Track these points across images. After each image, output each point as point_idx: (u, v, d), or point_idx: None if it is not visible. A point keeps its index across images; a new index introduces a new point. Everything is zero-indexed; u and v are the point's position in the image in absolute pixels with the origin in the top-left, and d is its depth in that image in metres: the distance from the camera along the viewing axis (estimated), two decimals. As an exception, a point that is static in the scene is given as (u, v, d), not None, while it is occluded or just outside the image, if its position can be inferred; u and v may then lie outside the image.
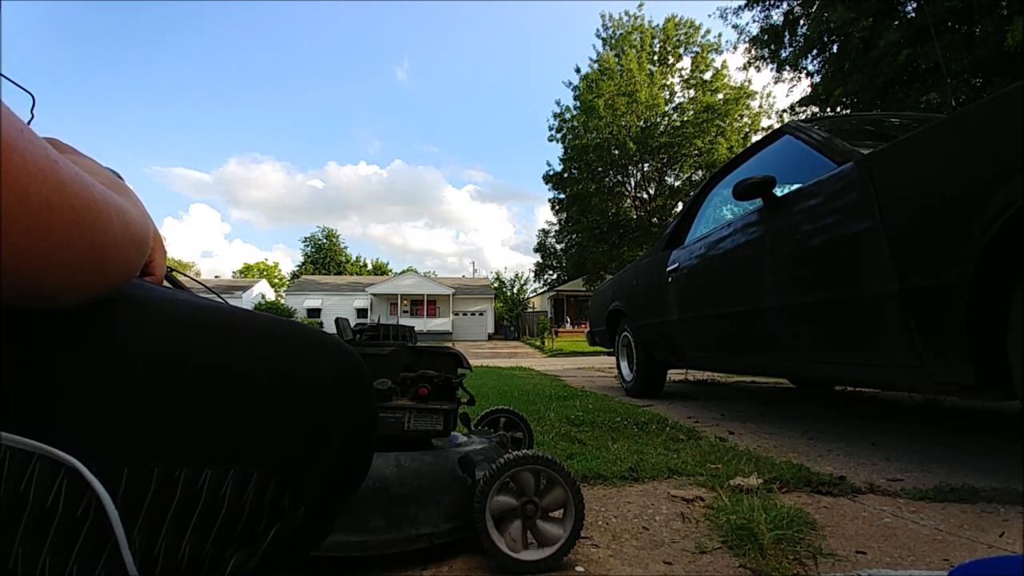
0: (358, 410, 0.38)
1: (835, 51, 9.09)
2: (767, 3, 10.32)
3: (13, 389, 0.27)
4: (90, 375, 0.29)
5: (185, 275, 0.72)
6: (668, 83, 23.37)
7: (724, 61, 26.30)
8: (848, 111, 8.80)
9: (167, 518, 0.30)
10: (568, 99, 29.63)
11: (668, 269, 2.73)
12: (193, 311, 0.35)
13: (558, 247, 26.65)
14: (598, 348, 4.46)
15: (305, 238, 50.95)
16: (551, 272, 28.76)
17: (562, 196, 24.49)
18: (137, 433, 0.30)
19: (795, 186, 1.81)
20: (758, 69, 11.80)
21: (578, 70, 23.67)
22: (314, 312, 28.07)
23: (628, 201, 23.67)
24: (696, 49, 23.24)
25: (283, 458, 0.34)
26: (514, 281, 35.74)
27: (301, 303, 28.66)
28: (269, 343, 0.36)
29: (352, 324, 1.01)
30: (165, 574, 0.30)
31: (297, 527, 0.35)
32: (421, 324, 26.90)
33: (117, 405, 0.29)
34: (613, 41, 23.71)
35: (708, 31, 23.79)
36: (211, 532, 0.31)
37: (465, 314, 30.50)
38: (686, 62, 23.61)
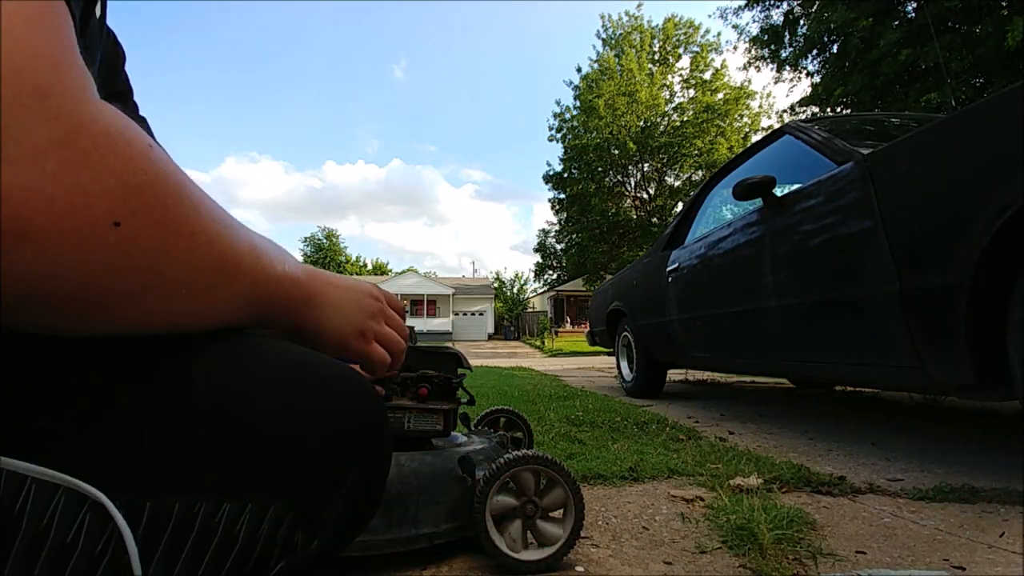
0: (375, 448, 0.39)
1: (835, 51, 9.09)
2: (767, 3, 10.32)
3: (43, 421, 0.27)
4: (122, 408, 0.29)
5: None
6: (668, 83, 23.39)
7: (724, 61, 26.40)
8: (848, 111, 8.80)
9: (183, 553, 0.30)
10: (568, 99, 29.60)
11: (668, 269, 2.73)
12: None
13: (558, 247, 26.67)
14: (598, 348, 4.45)
15: (305, 238, 50.99)
16: (551, 272, 28.76)
17: (562, 196, 24.50)
18: (161, 467, 0.30)
19: (795, 186, 1.81)
20: (758, 69, 11.82)
21: (579, 70, 23.72)
22: (314, 312, 27.99)
23: (628, 201, 23.67)
24: (696, 49, 23.26)
25: (300, 494, 0.34)
26: (514, 281, 35.76)
27: (301, 303, 28.57)
28: (291, 378, 0.36)
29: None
30: None
31: (308, 562, 0.35)
32: (421, 324, 26.89)
33: (144, 438, 0.29)
34: (613, 41, 23.73)
35: (708, 31, 23.83)
36: (224, 567, 0.31)
37: (465, 314, 30.50)
38: (686, 62, 23.65)
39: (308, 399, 0.35)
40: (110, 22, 0.52)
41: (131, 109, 0.56)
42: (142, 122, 0.56)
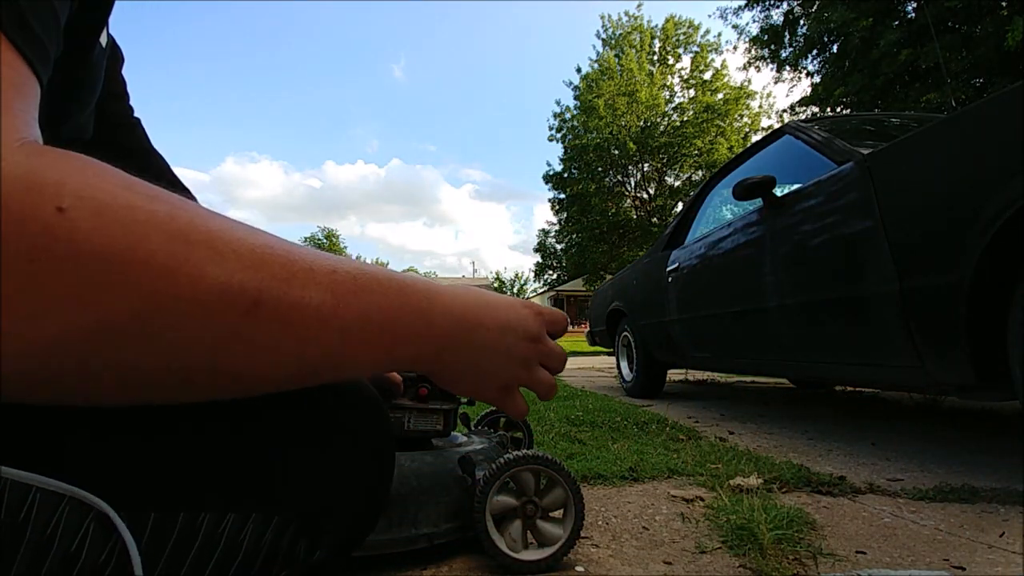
0: (379, 460, 0.39)
1: (835, 51, 9.09)
2: (767, 3, 10.32)
3: (50, 432, 0.27)
4: (124, 422, 0.29)
5: None
6: (668, 83, 23.37)
7: (724, 61, 26.37)
8: (848, 111, 8.80)
9: (186, 563, 0.30)
10: (568, 99, 29.58)
11: (668, 269, 2.72)
12: None
13: (558, 247, 26.64)
14: (598, 348, 4.45)
15: (305, 238, 50.91)
16: (551, 272, 28.74)
17: (562, 196, 24.48)
18: (166, 479, 0.30)
19: (795, 186, 1.81)
20: (758, 69, 11.82)
21: (579, 70, 23.70)
22: (314, 312, 27.99)
23: (628, 201, 23.67)
24: (696, 49, 23.24)
25: (304, 506, 0.34)
26: (514, 281, 35.74)
27: (301, 303, 28.57)
28: (296, 391, 0.36)
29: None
30: None
31: (311, 572, 0.35)
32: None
33: (148, 450, 0.29)
34: (613, 41, 23.71)
35: (708, 31, 23.82)
36: None
37: (465, 314, 30.43)
38: (686, 62, 23.64)
39: (314, 412, 0.35)
40: (116, 20, 0.52)
41: (125, 111, 0.56)
42: (135, 125, 0.57)
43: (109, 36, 0.51)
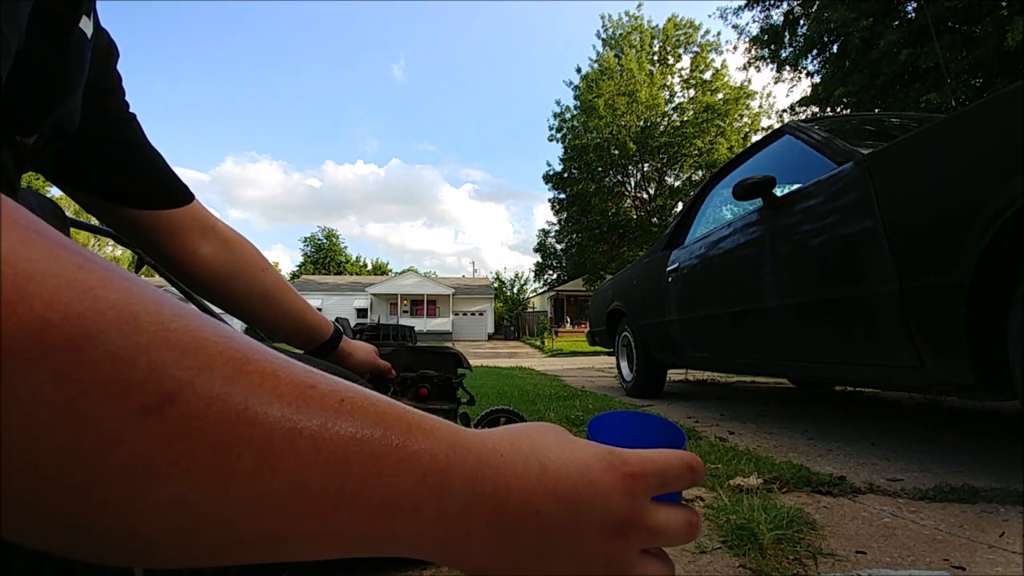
0: None
1: (835, 51, 9.09)
2: (767, 3, 10.31)
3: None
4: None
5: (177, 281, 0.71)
6: (668, 83, 23.37)
7: (724, 61, 26.39)
8: (848, 111, 8.79)
9: None
10: (568, 99, 29.63)
11: (668, 269, 2.73)
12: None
13: (558, 247, 26.65)
14: (598, 348, 4.45)
15: (305, 238, 51.06)
16: (551, 272, 28.76)
17: (562, 196, 24.50)
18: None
19: (795, 186, 1.81)
20: (758, 69, 11.82)
21: (579, 70, 23.71)
22: (314, 312, 28.01)
23: (628, 201, 23.67)
24: (696, 49, 23.25)
25: None
26: (514, 281, 35.77)
27: (301, 303, 28.58)
28: None
29: (352, 324, 1.01)
30: None
31: (316, 562, 0.34)
32: (421, 324, 26.89)
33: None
34: (613, 41, 23.72)
35: (708, 31, 23.83)
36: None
37: (465, 314, 30.50)
38: (686, 62, 23.65)
39: None
40: (108, 23, 0.52)
41: (120, 106, 0.55)
42: (131, 120, 0.56)
43: (102, 30, 0.51)
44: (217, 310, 0.77)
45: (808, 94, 9.94)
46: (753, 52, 11.24)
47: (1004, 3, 6.03)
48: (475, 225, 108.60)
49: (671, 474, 0.26)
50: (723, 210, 2.75)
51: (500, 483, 0.21)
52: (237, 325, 0.78)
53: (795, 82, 11.20)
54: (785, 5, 10.04)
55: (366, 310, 29.27)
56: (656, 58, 23.64)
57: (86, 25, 0.40)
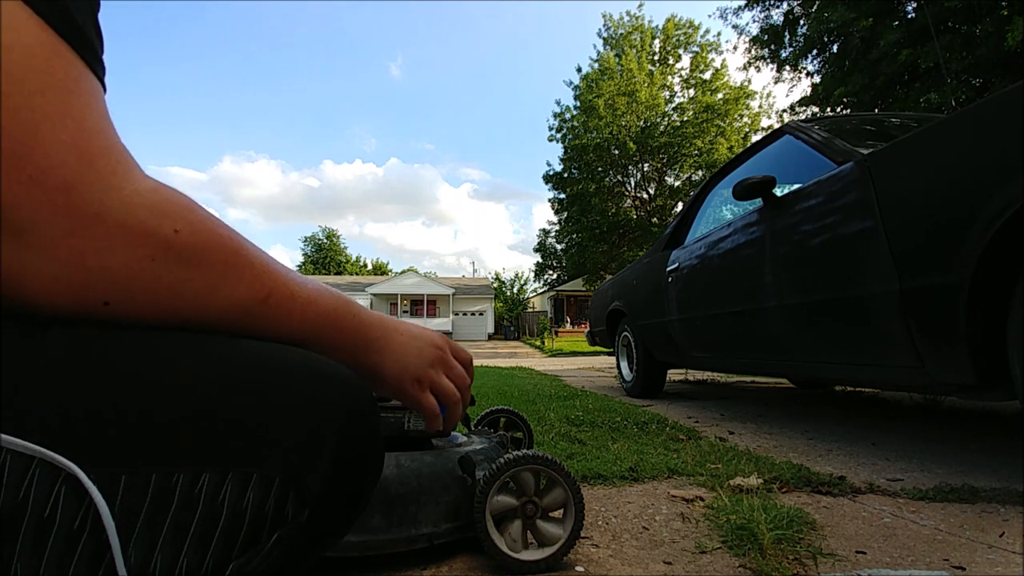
0: (349, 406, 0.38)
1: (835, 51, 9.08)
2: (767, 3, 10.31)
3: (12, 388, 0.27)
4: (90, 380, 0.29)
5: None
6: (668, 83, 23.37)
7: (724, 61, 26.35)
8: (848, 111, 8.79)
9: (164, 527, 0.29)
10: (568, 99, 29.63)
11: (668, 269, 2.73)
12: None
13: (558, 247, 26.66)
14: (598, 348, 4.46)
15: (306, 238, 51.05)
16: (551, 272, 28.77)
17: (562, 196, 24.49)
18: (134, 437, 0.29)
19: (795, 186, 1.81)
20: (758, 69, 11.80)
21: (579, 70, 23.70)
22: (314, 312, 28.02)
23: (628, 201, 23.67)
24: (696, 49, 23.24)
25: (276, 455, 0.33)
26: (514, 281, 35.78)
27: (301, 303, 28.60)
28: (258, 353, 0.36)
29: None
30: None
31: (303, 533, 0.34)
32: (421, 324, 26.79)
33: (115, 409, 0.29)
34: (613, 41, 23.71)
35: (708, 31, 23.82)
36: (211, 541, 0.30)
37: (465, 314, 30.50)
38: (686, 62, 23.64)
39: (275, 362, 0.35)
40: (108, 23, 0.52)
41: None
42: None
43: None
44: None
45: (808, 94, 9.92)
46: (753, 52, 11.23)
47: (1004, 3, 6.03)
48: (474, 225, 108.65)
49: (460, 348, 0.55)
50: (723, 210, 2.75)
51: (384, 321, 0.47)
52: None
53: (795, 82, 11.19)
54: (785, 5, 10.03)
55: (366, 310, 29.21)
56: (656, 58, 23.64)
57: None
